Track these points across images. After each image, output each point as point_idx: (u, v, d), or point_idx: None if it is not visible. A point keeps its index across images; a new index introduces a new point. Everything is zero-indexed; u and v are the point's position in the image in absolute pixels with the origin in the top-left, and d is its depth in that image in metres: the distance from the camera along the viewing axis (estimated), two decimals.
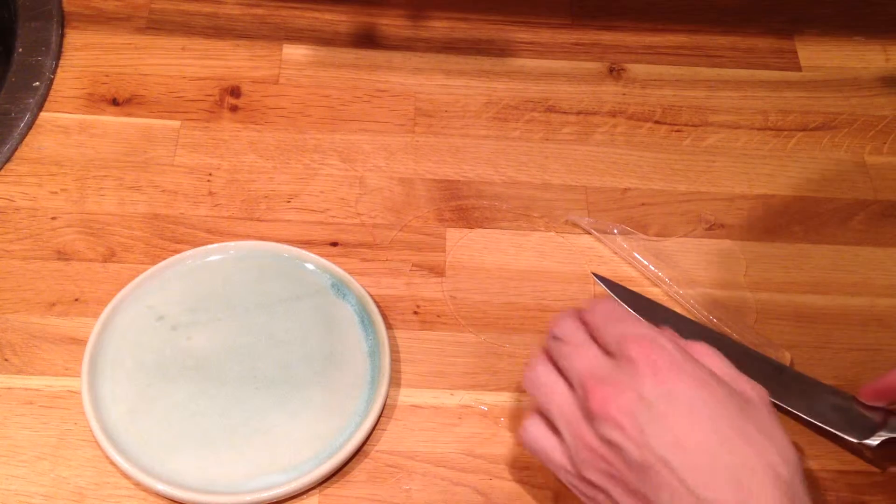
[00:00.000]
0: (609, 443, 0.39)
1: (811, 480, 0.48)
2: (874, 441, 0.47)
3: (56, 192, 0.56)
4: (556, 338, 0.43)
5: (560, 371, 0.42)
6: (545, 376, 0.42)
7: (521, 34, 0.67)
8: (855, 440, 0.48)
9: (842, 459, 0.49)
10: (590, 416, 0.39)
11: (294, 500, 0.46)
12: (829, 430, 0.48)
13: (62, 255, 0.53)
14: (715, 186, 0.60)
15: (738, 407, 0.39)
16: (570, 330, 0.43)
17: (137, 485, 0.46)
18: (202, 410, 0.48)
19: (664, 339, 0.40)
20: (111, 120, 0.59)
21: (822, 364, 0.53)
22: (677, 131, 0.63)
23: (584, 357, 0.41)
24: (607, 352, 0.41)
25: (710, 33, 0.68)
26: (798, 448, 0.49)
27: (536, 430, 0.43)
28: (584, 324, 0.43)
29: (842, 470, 0.49)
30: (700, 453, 0.37)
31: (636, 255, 0.56)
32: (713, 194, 0.60)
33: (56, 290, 0.52)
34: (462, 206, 0.58)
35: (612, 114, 0.63)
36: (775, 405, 0.50)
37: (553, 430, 0.42)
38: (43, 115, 0.59)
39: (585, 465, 0.40)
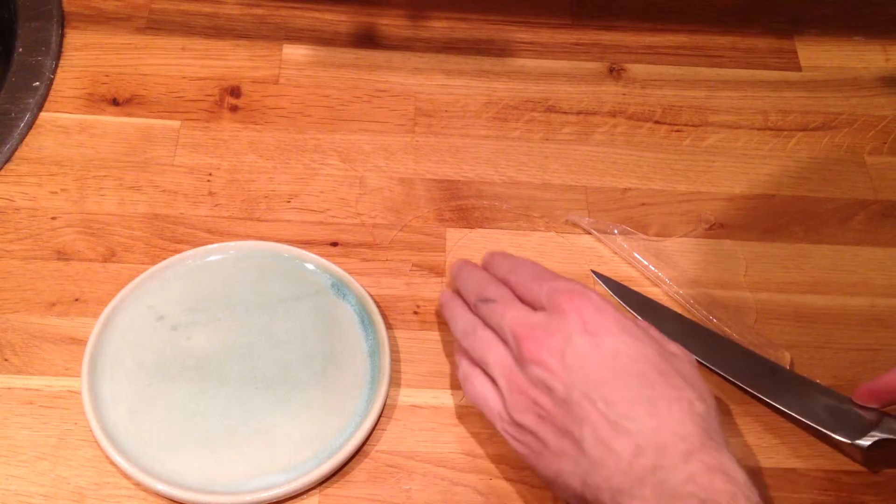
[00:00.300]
0: (539, 384, 0.41)
1: (806, 480, 0.48)
2: (866, 442, 0.47)
3: (56, 192, 0.56)
4: (484, 300, 0.46)
5: (493, 330, 0.45)
6: (481, 332, 0.45)
7: (521, 34, 0.67)
8: (847, 441, 0.48)
9: (837, 460, 0.49)
10: (522, 361, 0.42)
11: (294, 500, 0.46)
12: (822, 431, 0.48)
13: (62, 255, 0.53)
14: (715, 186, 0.60)
15: (661, 355, 0.42)
16: (498, 291, 0.46)
17: (137, 485, 0.46)
18: (202, 410, 0.48)
19: (593, 293, 0.43)
20: (111, 120, 0.59)
21: (822, 364, 0.53)
22: (677, 131, 0.63)
23: (514, 311, 0.44)
24: (536, 308, 0.44)
25: (710, 33, 0.68)
26: (793, 447, 0.49)
27: (477, 382, 0.45)
28: (507, 283, 0.47)
29: (837, 470, 0.49)
30: (621, 388, 0.40)
31: (636, 255, 0.56)
32: (713, 194, 0.60)
33: (56, 290, 0.52)
34: (462, 206, 0.58)
35: (612, 114, 0.63)
36: (768, 405, 0.50)
37: (491, 382, 0.45)
38: (43, 115, 0.59)
39: (517, 408, 0.42)
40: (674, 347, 0.44)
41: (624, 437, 0.39)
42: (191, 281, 0.52)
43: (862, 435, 0.47)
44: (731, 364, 0.51)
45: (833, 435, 0.48)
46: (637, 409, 0.39)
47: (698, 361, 0.49)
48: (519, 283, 0.46)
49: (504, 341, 0.44)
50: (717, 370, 0.51)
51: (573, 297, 0.43)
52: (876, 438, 0.47)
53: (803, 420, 0.49)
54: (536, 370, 0.41)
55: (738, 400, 0.51)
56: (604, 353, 0.41)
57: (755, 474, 0.48)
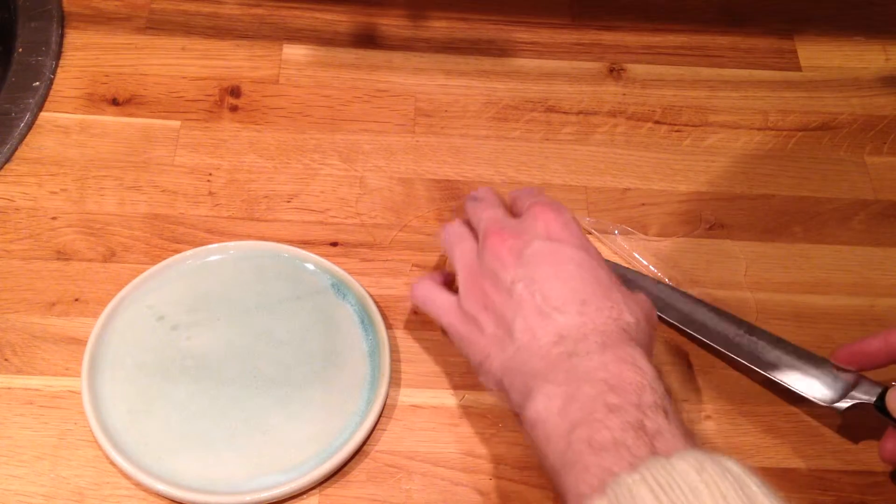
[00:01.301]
0: (491, 275, 0.44)
1: (806, 480, 0.48)
2: (843, 405, 0.47)
3: (56, 192, 0.56)
4: (473, 199, 0.50)
5: (471, 228, 0.48)
6: (457, 228, 0.49)
7: (521, 34, 0.67)
8: (824, 403, 0.48)
9: (838, 460, 0.49)
10: (483, 253, 0.45)
11: (294, 500, 0.46)
12: (799, 394, 0.49)
13: (62, 255, 0.53)
14: (715, 186, 0.60)
15: (611, 278, 0.44)
16: (488, 194, 0.50)
17: (137, 485, 0.46)
18: (202, 410, 0.48)
19: (568, 212, 0.46)
20: (111, 120, 0.59)
21: None
22: (677, 131, 0.63)
23: (492, 212, 0.48)
24: (516, 216, 0.48)
25: (710, 33, 0.68)
26: (793, 447, 0.49)
27: (429, 282, 0.49)
28: (508, 198, 0.50)
29: (837, 470, 0.49)
30: (561, 288, 0.42)
31: (636, 255, 0.56)
32: (713, 194, 0.60)
33: (56, 290, 0.52)
34: (462, 206, 0.57)
35: (612, 114, 0.63)
36: (744, 365, 0.50)
37: (445, 287, 0.48)
38: (43, 115, 0.59)
39: (467, 296, 0.45)
40: (640, 296, 0.45)
41: (550, 326, 0.41)
42: (191, 281, 0.52)
43: (839, 398, 0.47)
44: (708, 326, 0.52)
45: (810, 396, 0.48)
46: (569, 306, 0.42)
47: (676, 325, 0.52)
48: (515, 197, 0.50)
49: (475, 238, 0.47)
50: (692, 332, 0.52)
51: (547, 209, 0.46)
52: (853, 402, 0.47)
53: (781, 382, 0.49)
54: (493, 262, 0.44)
55: (733, 390, 0.51)
56: (557, 258, 0.43)
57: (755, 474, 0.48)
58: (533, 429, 0.40)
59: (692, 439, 0.37)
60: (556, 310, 0.42)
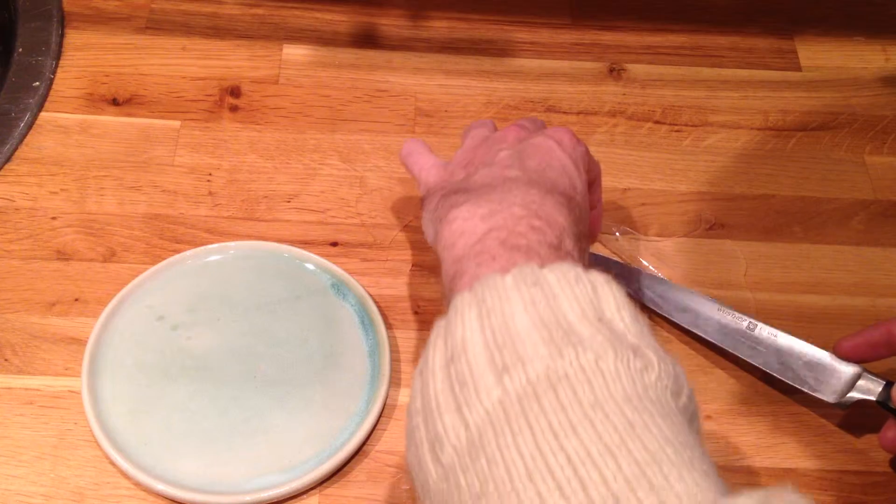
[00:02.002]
0: (488, 145, 0.45)
1: (806, 480, 0.48)
2: (847, 401, 0.48)
3: (56, 192, 0.56)
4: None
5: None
6: (484, 121, 0.50)
7: (521, 34, 0.67)
8: (828, 400, 0.48)
9: (837, 460, 0.49)
10: (492, 135, 0.47)
11: (294, 500, 0.46)
12: (801, 391, 0.49)
13: (62, 255, 0.53)
14: (715, 186, 0.60)
15: (584, 204, 0.43)
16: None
17: (137, 485, 0.46)
18: (202, 410, 0.48)
19: (583, 144, 0.46)
20: (111, 120, 0.59)
21: None
22: (677, 131, 0.63)
23: (518, 128, 0.47)
24: None
25: (710, 33, 0.68)
26: (793, 447, 0.49)
27: (421, 143, 0.50)
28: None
29: (837, 470, 0.49)
30: (539, 168, 0.42)
31: (636, 255, 0.56)
32: (713, 194, 0.60)
33: (56, 290, 0.52)
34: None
35: (612, 114, 0.63)
36: (746, 363, 0.50)
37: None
38: (43, 115, 0.59)
39: (456, 158, 0.46)
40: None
41: (507, 176, 0.42)
42: (191, 281, 0.52)
43: (842, 396, 0.48)
44: (709, 322, 0.51)
45: (814, 394, 0.48)
46: (526, 182, 0.41)
47: (676, 323, 0.52)
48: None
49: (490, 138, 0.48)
50: (693, 330, 0.52)
51: (569, 132, 0.46)
52: (857, 398, 0.47)
53: (784, 380, 0.49)
54: (495, 140, 0.46)
55: (734, 393, 0.51)
56: (552, 155, 0.43)
57: (755, 474, 0.48)
58: (448, 225, 0.40)
59: None
60: (522, 173, 0.42)
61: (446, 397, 0.32)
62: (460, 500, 0.30)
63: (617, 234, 0.57)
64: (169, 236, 0.55)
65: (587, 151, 0.46)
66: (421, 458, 0.32)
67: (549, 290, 0.33)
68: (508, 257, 0.36)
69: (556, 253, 0.37)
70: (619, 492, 0.26)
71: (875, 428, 0.49)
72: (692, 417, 0.32)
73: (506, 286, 0.33)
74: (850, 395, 0.47)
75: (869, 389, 0.47)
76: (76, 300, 0.52)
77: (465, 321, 0.33)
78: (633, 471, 0.26)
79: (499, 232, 0.38)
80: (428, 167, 0.48)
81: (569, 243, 0.38)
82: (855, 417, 0.50)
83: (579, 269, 0.34)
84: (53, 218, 0.55)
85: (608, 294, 0.33)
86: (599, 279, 0.34)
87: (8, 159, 0.57)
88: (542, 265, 0.34)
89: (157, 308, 0.51)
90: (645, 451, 0.27)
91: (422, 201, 0.46)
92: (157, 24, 0.64)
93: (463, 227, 0.39)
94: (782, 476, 0.48)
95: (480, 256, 0.37)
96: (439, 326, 0.34)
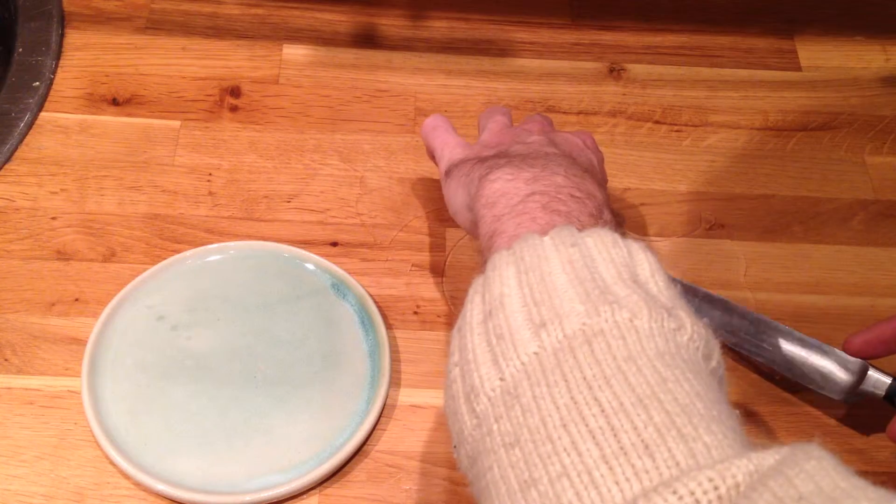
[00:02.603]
0: (515, 133, 0.46)
1: None
2: (853, 398, 0.48)
3: (56, 192, 0.56)
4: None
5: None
6: (501, 107, 0.51)
7: (521, 34, 0.67)
8: (838, 399, 0.48)
9: (844, 459, 0.49)
10: (518, 126, 0.48)
11: (294, 500, 0.46)
12: (808, 388, 0.49)
13: (62, 255, 0.53)
14: (715, 186, 0.60)
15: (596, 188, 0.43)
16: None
17: (137, 485, 0.46)
18: (202, 410, 0.48)
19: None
20: (111, 120, 0.59)
21: None
22: (677, 131, 0.63)
23: (542, 121, 0.49)
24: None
25: (710, 33, 0.68)
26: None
27: (445, 120, 0.50)
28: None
29: None
30: (568, 159, 0.43)
31: None
32: (713, 194, 0.60)
33: (56, 290, 0.52)
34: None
35: (612, 114, 0.63)
36: (749, 358, 0.50)
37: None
38: (43, 115, 0.59)
39: (482, 141, 0.47)
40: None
41: (537, 151, 0.43)
42: (191, 281, 0.52)
43: (850, 393, 0.48)
44: (714, 320, 0.51)
45: (822, 392, 0.48)
46: (567, 160, 0.43)
47: None
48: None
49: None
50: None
51: (591, 136, 0.48)
52: (863, 395, 0.47)
53: (790, 378, 0.49)
54: (522, 130, 0.46)
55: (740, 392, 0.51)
56: (580, 150, 0.45)
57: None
58: (490, 184, 0.40)
59: None
60: (559, 151, 0.43)
61: (483, 351, 0.32)
62: (492, 446, 0.30)
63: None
64: (169, 236, 0.55)
65: (604, 159, 0.48)
66: (457, 408, 0.33)
67: (586, 252, 0.34)
68: (548, 220, 0.37)
69: (596, 222, 0.38)
70: (649, 439, 0.26)
71: (876, 427, 0.49)
72: (721, 381, 0.33)
73: (544, 245, 0.34)
74: (856, 393, 0.47)
75: (876, 385, 0.47)
76: (76, 300, 0.52)
77: (504, 278, 0.34)
78: (663, 420, 0.27)
79: (541, 196, 0.38)
80: (453, 144, 0.48)
81: (608, 215, 0.39)
82: (855, 417, 0.50)
83: (616, 235, 0.35)
84: (53, 218, 0.55)
85: (643, 259, 0.34)
86: (635, 245, 0.35)
87: (8, 159, 0.57)
88: (581, 229, 0.35)
89: (157, 308, 0.51)
90: (675, 403, 0.28)
91: (445, 173, 0.47)
92: (157, 24, 0.64)
93: (505, 188, 0.40)
94: None
95: (521, 217, 0.38)
96: (477, 283, 0.35)
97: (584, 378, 0.29)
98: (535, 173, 0.40)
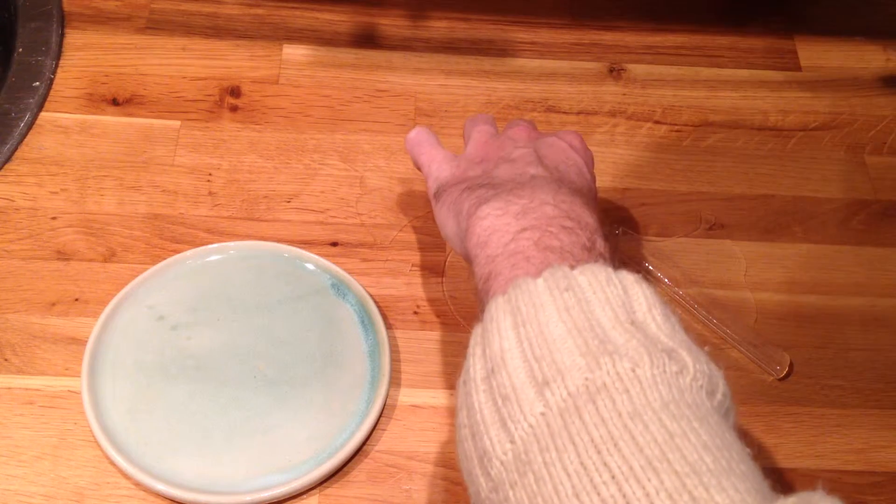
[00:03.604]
0: (500, 144, 0.46)
1: (806, 480, 0.48)
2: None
3: (56, 192, 0.56)
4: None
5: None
6: (485, 116, 0.50)
7: (521, 34, 0.67)
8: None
9: (837, 460, 0.49)
10: (502, 134, 0.48)
11: (294, 500, 0.46)
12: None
13: (62, 255, 0.53)
14: (715, 186, 0.60)
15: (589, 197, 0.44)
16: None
17: (137, 485, 0.46)
18: (202, 410, 0.48)
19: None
20: (111, 120, 0.59)
21: (822, 364, 0.53)
22: (677, 131, 0.63)
23: (528, 127, 0.49)
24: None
25: (710, 33, 0.68)
26: (793, 448, 0.49)
27: (429, 133, 0.50)
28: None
29: (837, 470, 0.49)
30: (559, 163, 0.44)
31: (636, 255, 0.56)
32: (713, 194, 0.60)
33: (56, 290, 0.52)
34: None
35: (612, 114, 0.63)
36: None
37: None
38: (43, 115, 0.59)
39: (467, 154, 0.47)
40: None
41: (522, 170, 0.43)
42: (191, 281, 0.52)
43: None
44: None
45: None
46: (551, 176, 0.43)
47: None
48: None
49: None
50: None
51: (577, 135, 0.47)
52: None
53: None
54: (507, 140, 0.46)
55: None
56: (567, 155, 0.45)
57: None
58: (479, 221, 0.40)
59: None
60: (545, 170, 0.43)
61: (490, 412, 0.32)
62: None
63: (617, 233, 0.57)
64: (169, 236, 0.55)
65: (593, 158, 0.47)
66: (471, 470, 0.33)
67: (581, 295, 0.33)
68: (542, 258, 0.37)
69: (589, 254, 0.37)
70: None
71: (876, 428, 0.49)
72: (728, 412, 0.33)
73: (539, 292, 0.34)
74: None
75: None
76: (76, 300, 0.52)
77: (502, 331, 0.33)
78: (674, 484, 0.27)
79: (532, 232, 0.38)
80: (439, 160, 0.48)
81: (600, 244, 0.39)
82: (855, 417, 0.50)
83: (609, 270, 0.34)
84: (53, 218, 0.55)
85: (639, 294, 0.34)
86: (629, 279, 0.34)
87: (8, 159, 0.57)
88: (573, 266, 0.35)
89: (157, 308, 0.51)
90: (685, 463, 0.28)
91: (434, 196, 0.46)
92: (157, 24, 0.64)
93: (496, 224, 0.39)
94: (782, 476, 0.48)
95: (514, 257, 0.37)
96: (476, 334, 0.35)
97: (592, 441, 0.29)
98: (523, 205, 0.40)
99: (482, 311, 0.36)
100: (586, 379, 0.30)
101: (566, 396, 0.30)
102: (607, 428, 0.29)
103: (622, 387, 0.30)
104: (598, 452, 0.28)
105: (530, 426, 0.31)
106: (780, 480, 0.48)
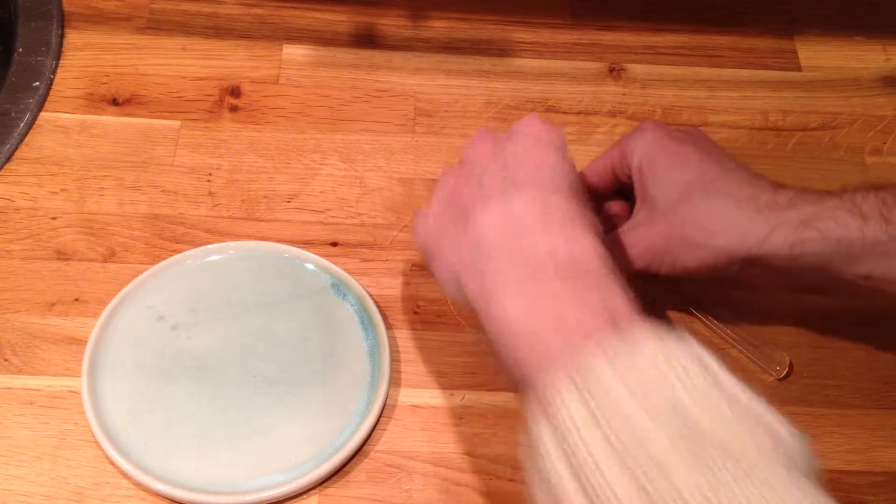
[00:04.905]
0: (465, 172, 0.44)
1: None
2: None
3: (56, 192, 0.56)
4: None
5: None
6: (485, 138, 0.47)
7: (521, 34, 0.67)
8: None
9: (837, 460, 0.49)
10: (461, 159, 0.46)
11: (294, 500, 0.46)
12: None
13: (62, 255, 0.53)
14: None
15: (581, 193, 0.43)
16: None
17: (137, 485, 0.46)
18: (202, 410, 0.48)
19: (556, 128, 0.45)
20: (111, 120, 0.59)
21: (822, 364, 0.53)
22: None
23: (488, 140, 0.46)
24: None
25: (710, 33, 0.68)
26: None
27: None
28: None
29: (837, 470, 0.49)
30: (531, 171, 0.42)
31: None
32: None
33: (56, 290, 0.52)
34: None
35: (612, 114, 0.63)
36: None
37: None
38: (43, 115, 0.59)
39: (437, 199, 0.45)
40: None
41: (504, 207, 0.41)
42: (191, 281, 0.52)
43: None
44: None
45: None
46: (530, 193, 0.41)
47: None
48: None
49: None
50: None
51: (536, 117, 0.45)
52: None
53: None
54: (469, 163, 0.44)
55: None
56: (535, 159, 0.43)
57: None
58: (493, 310, 0.39)
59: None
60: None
61: None
62: None
63: None
64: (169, 236, 0.55)
65: (563, 136, 0.45)
66: None
67: (668, 389, 0.32)
68: (572, 353, 0.35)
69: (616, 317, 0.36)
70: None
71: (876, 428, 0.49)
72: (819, 473, 0.34)
73: (620, 395, 0.32)
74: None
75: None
76: (76, 300, 0.52)
77: (590, 447, 0.32)
78: None
79: (547, 320, 0.37)
80: (421, 219, 0.46)
81: (617, 290, 0.38)
82: (855, 417, 0.50)
83: (669, 347, 0.34)
84: (53, 218, 0.55)
85: (714, 365, 0.33)
86: (695, 350, 0.34)
87: (8, 159, 0.57)
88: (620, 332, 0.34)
89: (157, 308, 0.51)
90: None
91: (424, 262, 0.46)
92: (157, 24, 0.64)
93: (513, 317, 0.38)
94: None
95: (545, 360, 0.36)
96: (544, 442, 0.34)
97: None
98: (524, 287, 0.38)
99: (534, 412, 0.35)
100: (708, 500, 0.30)
101: None
102: None
103: (742, 495, 0.30)
104: None
105: None
106: None
